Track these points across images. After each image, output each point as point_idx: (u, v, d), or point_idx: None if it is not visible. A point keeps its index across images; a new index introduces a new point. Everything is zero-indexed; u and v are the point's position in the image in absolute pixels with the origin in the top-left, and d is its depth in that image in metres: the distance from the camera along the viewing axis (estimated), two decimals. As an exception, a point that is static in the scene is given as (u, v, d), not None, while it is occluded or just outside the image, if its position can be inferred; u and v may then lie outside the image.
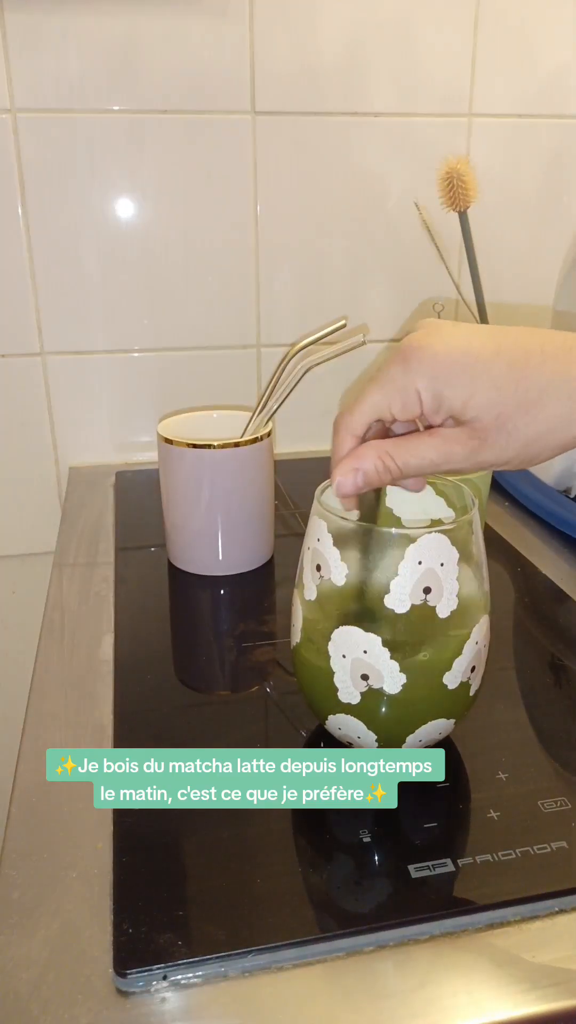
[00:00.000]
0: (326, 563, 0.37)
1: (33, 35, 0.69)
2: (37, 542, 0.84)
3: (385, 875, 0.35)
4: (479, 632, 0.37)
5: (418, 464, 0.34)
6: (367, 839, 0.36)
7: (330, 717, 0.39)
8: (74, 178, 0.74)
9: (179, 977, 0.30)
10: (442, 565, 0.35)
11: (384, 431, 0.36)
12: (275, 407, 0.59)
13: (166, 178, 0.76)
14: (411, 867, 0.34)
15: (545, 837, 0.35)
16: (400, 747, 0.38)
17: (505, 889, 0.33)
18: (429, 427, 0.34)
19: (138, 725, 0.44)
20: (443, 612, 0.36)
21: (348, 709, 0.37)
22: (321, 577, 0.38)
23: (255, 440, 0.58)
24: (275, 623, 0.54)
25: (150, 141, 0.75)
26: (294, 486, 0.76)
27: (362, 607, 0.37)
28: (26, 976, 0.30)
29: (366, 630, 0.36)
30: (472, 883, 0.34)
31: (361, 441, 0.35)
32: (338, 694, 0.37)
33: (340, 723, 0.38)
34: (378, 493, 0.38)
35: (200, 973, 0.30)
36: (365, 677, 0.36)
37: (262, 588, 0.60)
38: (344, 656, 0.36)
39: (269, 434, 0.59)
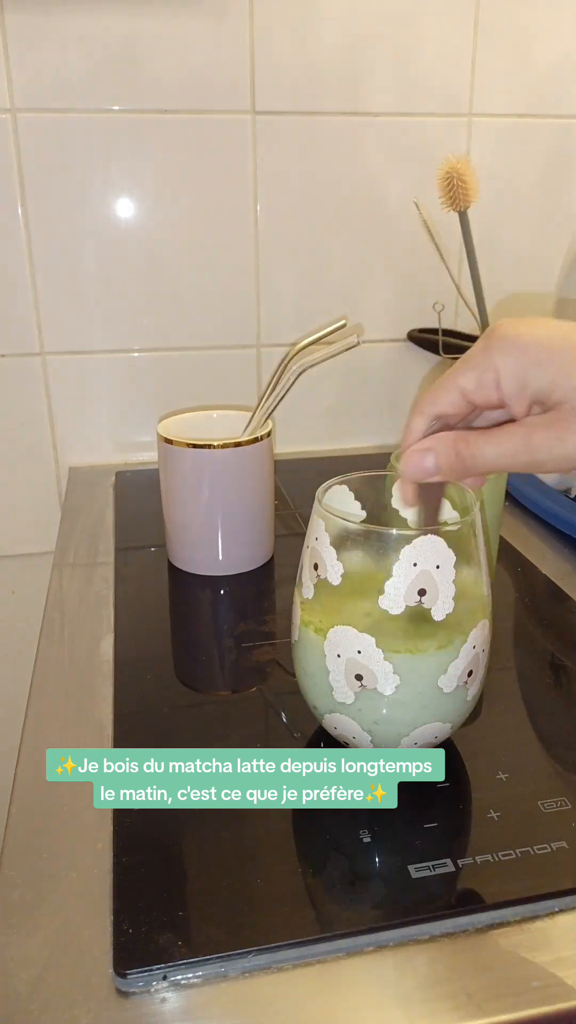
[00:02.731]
0: (323, 562, 0.37)
1: (33, 35, 0.69)
2: (37, 542, 0.84)
3: (385, 875, 0.35)
4: (477, 636, 0.37)
5: (497, 452, 0.32)
6: (367, 839, 0.36)
7: (326, 716, 0.39)
8: (74, 178, 0.74)
9: (179, 977, 0.30)
10: (438, 567, 0.35)
11: (447, 430, 0.35)
12: (271, 408, 0.59)
13: (166, 178, 0.76)
14: (411, 867, 0.34)
15: (545, 837, 0.35)
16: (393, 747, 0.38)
17: (505, 889, 0.33)
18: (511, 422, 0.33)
19: (138, 725, 0.44)
20: (438, 615, 0.35)
21: (343, 709, 0.37)
22: (318, 576, 0.38)
23: (255, 440, 0.58)
24: (275, 623, 0.54)
25: (150, 141, 0.75)
26: (294, 486, 0.76)
27: (358, 607, 0.37)
28: (26, 976, 0.30)
29: (360, 630, 0.36)
30: (472, 883, 0.34)
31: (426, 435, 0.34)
32: (333, 693, 0.37)
33: (336, 722, 0.38)
34: (441, 494, 0.36)
35: (200, 973, 0.30)
36: (359, 677, 0.36)
37: (262, 588, 0.60)
38: (339, 656, 0.36)
39: (269, 434, 0.59)
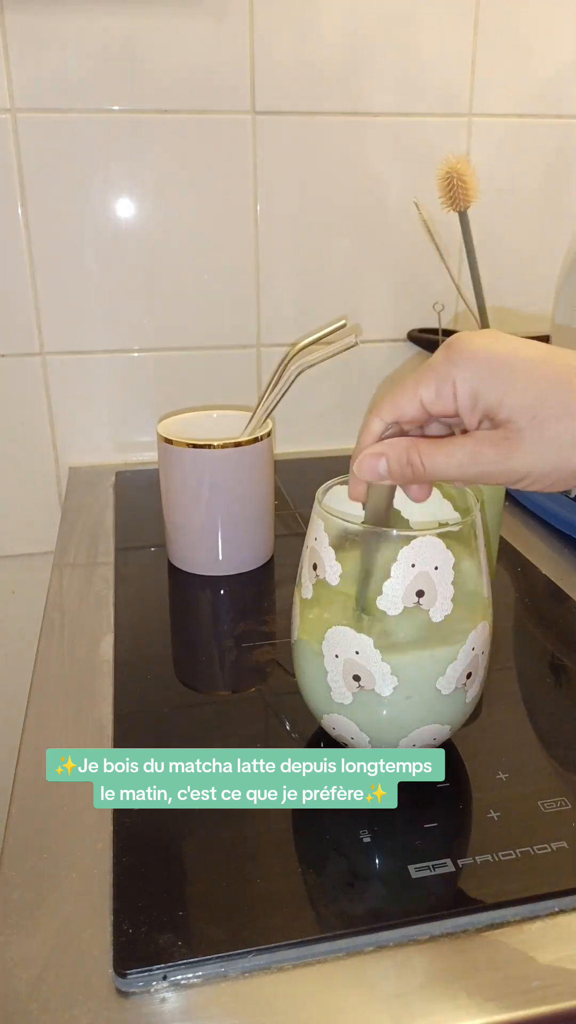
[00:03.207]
0: (321, 563, 0.37)
1: (33, 35, 0.69)
2: (37, 542, 0.84)
3: (385, 875, 0.35)
4: (476, 638, 0.37)
5: (446, 464, 0.33)
6: (367, 839, 0.36)
7: (324, 716, 0.39)
8: (74, 178, 0.74)
9: (179, 977, 0.30)
10: (436, 569, 0.35)
11: (401, 434, 0.35)
12: (271, 408, 0.59)
13: (166, 178, 0.76)
14: (411, 867, 0.34)
15: (545, 837, 0.35)
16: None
17: (505, 889, 0.33)
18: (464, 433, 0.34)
19: (138, 725, 0.44)
20: (437, 616, 0.35)
21: (341, 709, 0.37)
22: (317, 576, 0.38)
23: (255, 440, 0.58)
24: (275, 623, 0.54)
25: (150, 141, 0.75)
26: (294, 486, 0.76)
27: (356, 608, 0.37)
28: (26, 976, 0.30)
29: (358, 631, 0.36)
30: (472, 883, 0.34)
31: (380, 439, 0.35)
32: (331, 694, 0.37)
33: (334, 723, 0.38)
34: (391, 495, 0.37)
35: (200, 973, 0.30)
36: (357, 678, 0.36)
37: (262, 588, 0.60)
38: (337, 656, 0.36)
39: (269, 434, 0.59)
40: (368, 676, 0.36)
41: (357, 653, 0.36)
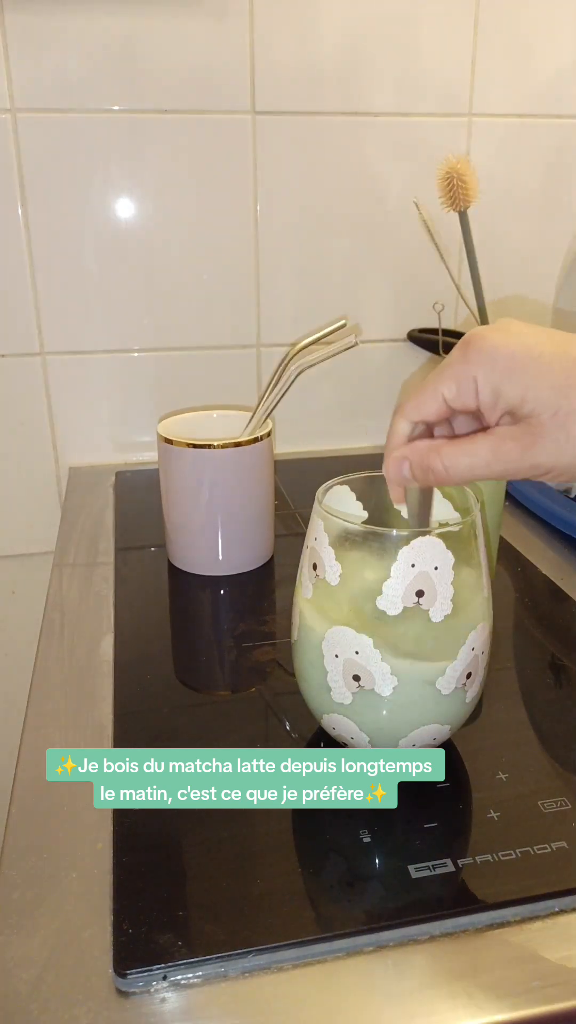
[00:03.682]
0: (321, 563, 0.37)
1: (33, 35, 0.69)
2: (37, 542, 0.84)
3: (385, 875, 0.35)
4: (476, 639, 0.37)
5: (469, 463, 0.33)
6: (367, 839, 0.36)
7: (324, 716, 0.39)
8: (74, 178, 0.74)
9: (179, 977, 0.30)
10: (436, 569, 0.35)
11: (428, 434, 0.36)
12: (270, 408, 0.59)
13: (166, 178, 0.76)
14: (411, 867, 0.34)
15: (545, 837, 0.35)
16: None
17: (505, 889, 0.33)
18: (485, 429, 0.34)
19: (138, 725, 0.44)
20: (436, 616, 0.35)
21: (341, 709, 0.37)
22: (317, 576, 0.38)
23: (255, 440, 0.58)
24: (275, 623, 0.54)
25: (150, 141, 0.75)
26: (294, 486, 0.76)
27: (356, 608, 0.37)
28: (26, 976, 0.30)
29: (358, 631, 0.36)
30: (472, 883, 0.34)
31: (411, 439, 0.35)
32: (331, 694, 0.37)
33: (334, 723, 0.38)
34: (429, 496, 0.37)
35: (200, 973, 0.30)
36: (357, 678, 0.36)
37: (262, 588, 0.60)
38: (337, 656, 0.36)
39: (269, 434, 0.59)
40: (368, 676, 0.36)
41: (357, 653, 0.36)
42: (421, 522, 0.37)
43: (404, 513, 0.38)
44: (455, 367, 0.33)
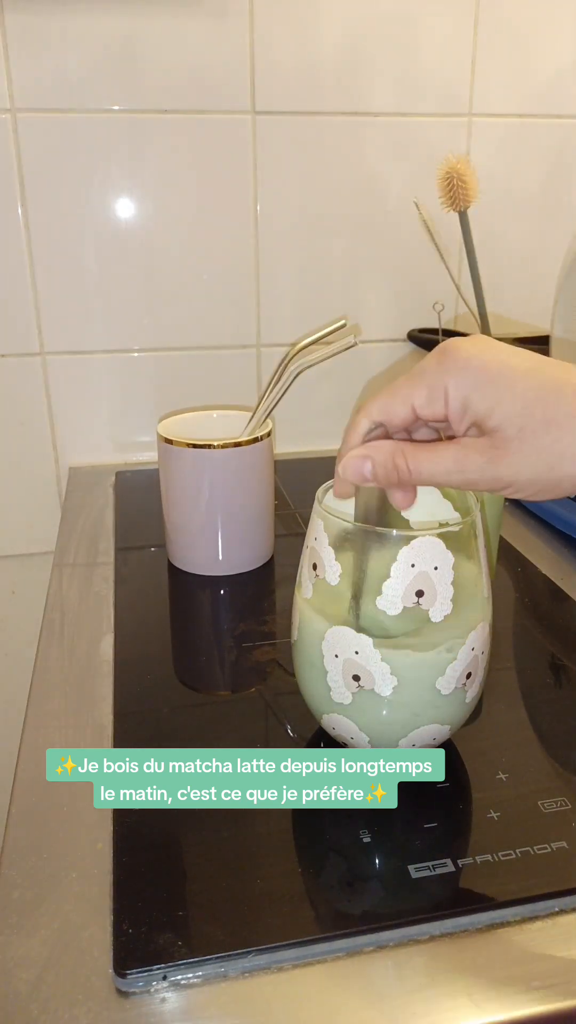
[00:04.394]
0: (321, 562, 0.37)
1: (33, 35, 0.69)
2: (37, 542, 0.84)
3: (385, 875, 0.35)
4: (476, 639, 0.37)
5: (431, 469, 0.33)
6: (367, 839, 0.36)
7: (324, 716, 0.39)
8: (74, 178, 0.74)
9: (179, 977, 0.30)
10: (436, 569, 0.35)
11: (385, 437, 0.36)
12: (269, 408, 0.59)
13: (166, 178, 0.76)
14: (411, 867, 0.34)
15: (545, 837, 0.35)
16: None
17: (505, 889, 0.33)
18: (451, 439, 0.34)
19: (138, 725, 0.44)
20: (436, 616, 0.35)
21: (341, 709, 0.37)
22: (317, 576, 0.38)
23: (255, 440, 0.58)
24: (275, 623, 0.54)
25: (150, 141, 0.75)
26: (294, 486, 0.76)
27: (356, 608, 0.37)
28: (26, 976, 0.30)
29: (358, 631, 0.36)
30: (472, 883, 0.34)
31: (366, 439, 0.35)
32: (331, 694, 0.37)
33: (334, 723, 0.38)
34: (383, 495, 0.37)
35: (200, 973, 0.30)
36: (356, 678, 0.36)
37: (262, 588, 0.60)
38: (336, 656, 0.36)
39: (269, 434, 0.59)
40: (368, 676, 0.36)
41: (357, 653, 0.36)
42: (373, 520, 0.36)
43: (340, 506, 0.37)
44: (428, 374, 0.33)
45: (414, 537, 0.34)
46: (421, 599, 0.35)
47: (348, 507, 0.40)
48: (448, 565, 0.35)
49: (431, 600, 0.35)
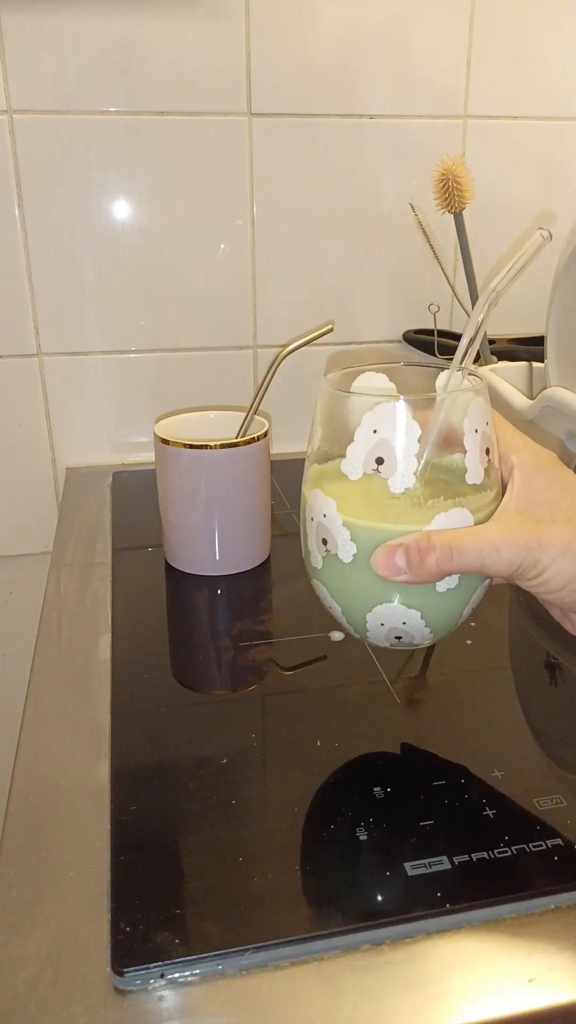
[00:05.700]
0: (316, 433, 0.38)
1: (31, 36, 0.70)
2: (34, 542, 0.84)
3: (381, 873, 0.35)
4: (444, 522, 0.34)
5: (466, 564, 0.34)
6: (363, 837, 0.36)
7: (312, 583, 0.39)
8: (71, 179, 0.74)
9: (177, 975, 0.30)
10: (398, 437, 0.33)
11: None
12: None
13: (162, 179, 0.76)
14: (407, 865, 0.34)
15: (541, 835, 0.36)
16: (362, 625, 0.37)
17: (501, 887, 0.33)
18: None
19: (135, 725, 0.44)
20: (396, 487, 0.34)
21: (316, 574, 0.37)
22: (312, 448, 0.38)
23: (252, 440, 0.58)
24: (272, 622, 0.54)
25: (147, 143, 0.75)
26: (291, 486, 0.76)
27: (332, 472, 0.36)
28: (23, 975, 0.30)
29: (326, 493, 0.35)
30: (468, 881, 0.34)
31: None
32: (310, 558, 0.37)
33: (316, 589, 0.38)
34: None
35: (197, 971, 0.31)
36: (324, 542, 0.36)
37: (259, 588, 0.60)
38: (312, 519, 0.36)
39: (266, 434, 0.60)
40: (332, 541, 0.35)
41: (324, 516, 0.35)
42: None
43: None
44: (534, 550, 0.34)
45: (379, 402, 0.33)
46: (380, 466, 0.34)
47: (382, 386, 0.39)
48: (413, 436, 0.33)
49: (390, 469, 0.34)
